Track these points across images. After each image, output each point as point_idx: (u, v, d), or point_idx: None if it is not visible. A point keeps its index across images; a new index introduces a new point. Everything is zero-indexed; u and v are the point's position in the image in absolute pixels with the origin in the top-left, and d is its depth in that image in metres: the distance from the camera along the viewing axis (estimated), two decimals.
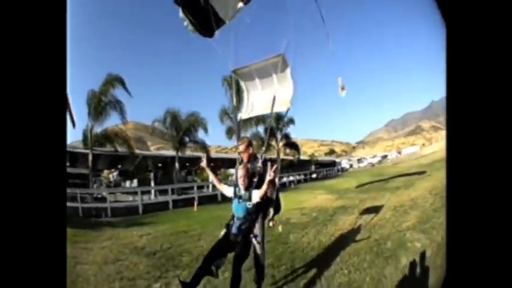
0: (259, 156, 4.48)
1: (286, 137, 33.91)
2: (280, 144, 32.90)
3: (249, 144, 4.47)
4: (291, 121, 33.40)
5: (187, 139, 24.89)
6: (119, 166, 27.48)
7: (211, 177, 4.29)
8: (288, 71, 5.06)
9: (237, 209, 3.91)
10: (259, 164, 4.34)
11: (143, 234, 9.26)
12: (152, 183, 24.09)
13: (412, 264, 4.97)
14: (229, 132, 27.11)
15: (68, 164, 23.27)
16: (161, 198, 18.08)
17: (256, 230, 4.16)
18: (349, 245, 6.82)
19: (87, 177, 21.04)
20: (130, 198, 17.66)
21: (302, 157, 41.50)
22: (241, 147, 4.45)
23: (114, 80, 20.80)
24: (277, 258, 6.35)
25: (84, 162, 21.99)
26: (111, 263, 6.45)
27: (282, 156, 34.30)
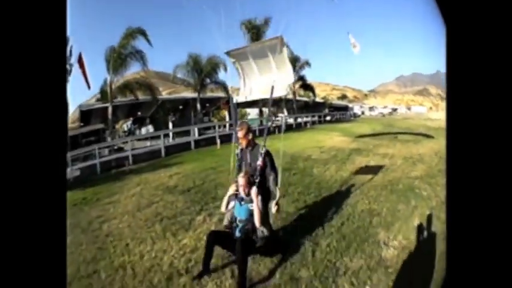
0: (260, 146, 4.23)
1: (302, 78, 33.99)
2: (296, 85, 33.23)
3: (248, 130, 4.21)
4: (307, 63, 33.41)
5: (208, 80, 25.71)
6: (139, 113, 27.86)
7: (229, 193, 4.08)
8: (285, 52, 4.84)
9: (239, 212, 3.80)
10: (260, 153, 4.13)
11: (172, 174, 9.38)
12: (170, 126, 23.91)
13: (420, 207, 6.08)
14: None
15: (81, 124, 23.72)
16: (182, 140, 18.13)
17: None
18: (367, 181, 7.98)
19: (99, 132, 21.53)
20: (148, 143, 17.27)
21: (316, 99, 41.84)
22: (240, 133, 4.18)
23: (135, 32, 20.94)
24: (306, 187, 7.51)
25: (98, 118, 22.68)
26: (146, 207, 6.48)
27: (297, 97, 35.11)
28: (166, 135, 17.73)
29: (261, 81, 5.11)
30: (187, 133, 19.55)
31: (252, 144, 4.25)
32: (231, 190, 3.99)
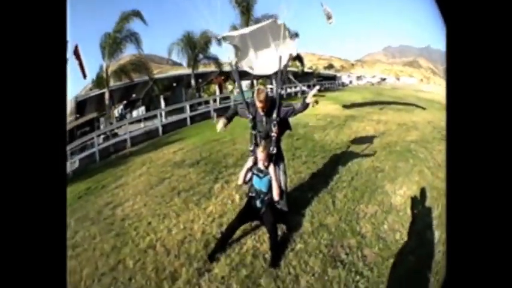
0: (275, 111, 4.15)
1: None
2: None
3: (267, 96, 4.05)
4: (296, 35, 33.01)
5: (201, 56, 25.72)
6: (133, 95, 27.48)
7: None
8: (286, 33, 4.72)
9: (260, 184, 3.82)
10: (275, 121, 4.12)
11: (175, 150, 9.28)
12: (163, 105, 23.78)
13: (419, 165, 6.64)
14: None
15: (77, 115, 22.28)
16: (178, 117, 17.99)
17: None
18: (366, 143, 8.52)
19: (93, 121, 21.74)
20: (142, 125, 17.18)
21: (304, 69, 41.89)
22: (261, 97, 3.98)
23: (130, 15, 21.04)
24: (311, 150, 7.94)
25: (93, 107, 22.35)
26: (159, 184, 6.36)
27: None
28: (160, 114, 17.59)
29: (262, 57, 5.10)
30: (180, 110, 19.45)
31: (268, 115, 4.15)
32: (250, 162, 3.96)
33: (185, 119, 17.30)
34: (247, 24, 23.10)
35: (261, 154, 3.85)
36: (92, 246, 4.26)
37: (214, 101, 23.30)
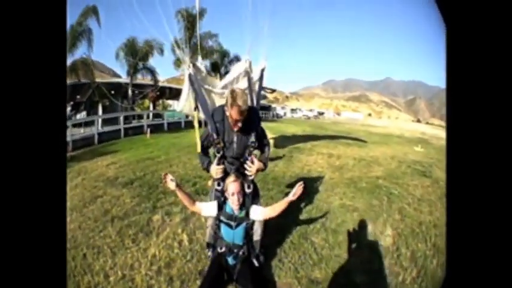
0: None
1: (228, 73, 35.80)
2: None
3: (247, 102, 3.12)
4: (237, 58, 34.81)
5: (141, 65, 29.32)
6: (78, 97, 30.01)
7: (181, 196, 3.26)
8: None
9: (232, 237, 3.25)
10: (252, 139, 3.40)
11: (108, 163, 9.66)
12: (100, 112, 26.33)
13: (396, 203, 6.71)
14: (178, 62, 31.15)
15: None
16: (112, 127, 20.08)
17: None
18: (323, 178, 8.51)
19: None
20: (82, 130, 18.32)
21: None
22: (240, 101, 2.99)
23: (90, 11, 23.73)
24: (263, 182, 7.57)
25: None
26: (92, 202, 6.18)
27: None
28: (97, 122, 19.17)
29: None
30: (115, 120, 21.41)
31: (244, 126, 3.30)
32: (211, 209, 3.33)
33: (119, 130, 19.66)
34: (190, 40, 25.00)
35: (233, 185, 3.18)
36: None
37: (148, 116, 25.63)
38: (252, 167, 3.34)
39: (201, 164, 3.55)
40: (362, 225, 5.25)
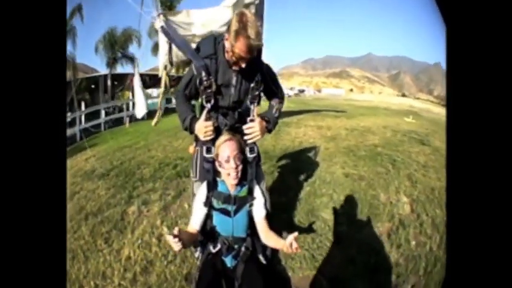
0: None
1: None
2: None
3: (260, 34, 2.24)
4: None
5: (119, 54, 30.18)
6: None
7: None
8: None
9: (232, 226, 2.22)
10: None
11: (87, 157, 9.05)
12: (83, 107, 24.36)
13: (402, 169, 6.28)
14: (156, 49, 32.13)
15: None
16: (93, 122, 19.79)
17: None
18: (317, 148, 7.93)
19: None
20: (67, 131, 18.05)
21: None
22: (252, 30, 2.05)
23: (75, 9, 24.79)
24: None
25: None
26: (69, 199, 5.48)
27: None
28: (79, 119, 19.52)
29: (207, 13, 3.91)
30: (97, 114, 21.52)
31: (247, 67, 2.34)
32: (202, 192, 2.24)
33: (100, 124, 19.88)
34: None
35: (225, 148, 2.13)
36: None
37: (128, 107, 25.24)
38: (253, 127, 2.33)
39: (181, 122, 2.49)
40: (374, 194, 4.71)
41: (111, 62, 29.58)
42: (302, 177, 5.42)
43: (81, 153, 10.02)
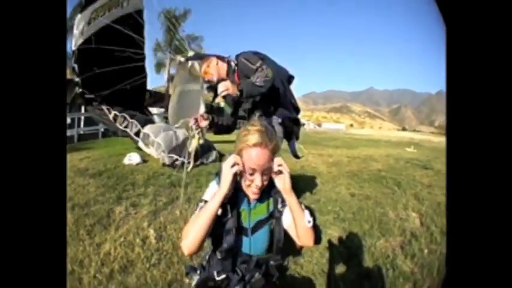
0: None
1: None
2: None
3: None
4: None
5: None
6: None
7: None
8: None
9: (251, 244, 1.75)
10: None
11: (82, 157, 9.14)
12: (83, 110, 25.02)
13: (408, 190, 6.17)
14: (158, 66, 33.33)
15: None
16: (91, 128, 19.92)
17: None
18: (323, 172, 7.82)
19: None
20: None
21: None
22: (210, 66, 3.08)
23: (77, 8, 23.99)
24: None
25: None
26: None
27: None
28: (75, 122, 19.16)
29: None
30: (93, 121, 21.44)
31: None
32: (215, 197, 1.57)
33: (97, 132, 19.57)
34: (171, 42, 25.27)
35: (252, 160, 1.58)
36: None
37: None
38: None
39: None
40: (382, 212, 4.61)
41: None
42: (305, 196, 5.32)
43: (76, 153, 10.16)
